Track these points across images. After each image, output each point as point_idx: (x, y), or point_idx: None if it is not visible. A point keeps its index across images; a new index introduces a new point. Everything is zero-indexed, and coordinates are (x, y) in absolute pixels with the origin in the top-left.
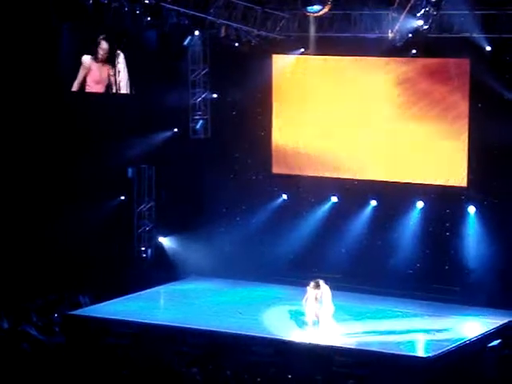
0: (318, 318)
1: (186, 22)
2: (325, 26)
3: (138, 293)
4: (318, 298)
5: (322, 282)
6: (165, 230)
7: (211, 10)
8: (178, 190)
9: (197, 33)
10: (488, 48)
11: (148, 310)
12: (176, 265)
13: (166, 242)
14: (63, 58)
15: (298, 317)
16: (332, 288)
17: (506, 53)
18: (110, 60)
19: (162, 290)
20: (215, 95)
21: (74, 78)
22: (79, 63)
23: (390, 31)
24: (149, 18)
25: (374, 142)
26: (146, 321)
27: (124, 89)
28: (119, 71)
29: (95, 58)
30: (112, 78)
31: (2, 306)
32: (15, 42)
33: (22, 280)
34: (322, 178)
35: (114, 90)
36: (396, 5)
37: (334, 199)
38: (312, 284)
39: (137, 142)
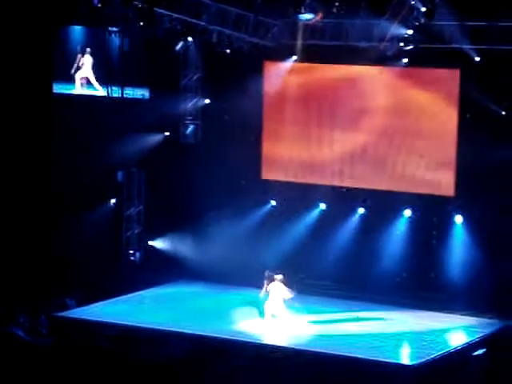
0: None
1: (179, 27)
2: (317, 35)
3: (126, 296)
4: (268, 291)
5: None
6: (153, 233)
7: (204, 16)
8: (167, 194)
9: (190, 38)
10: (477, 59)
11: (135, 312)
12: (164, 268)
13: (154, 245)
14: (55, 60)
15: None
16: (319, 294)
17: (496, 64)
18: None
19: (149, 293)
20: (207, 101)
21: (64, 79)
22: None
23: (381, 41)
24: (141, 23)
25: (364, 150)
26: (132, 323)
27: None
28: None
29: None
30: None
31: None
32: (7, 42)
33: (9, 282)
34: (310, 184)
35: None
36: (387, 15)
37: (323, 206)
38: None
39: (127, 146)
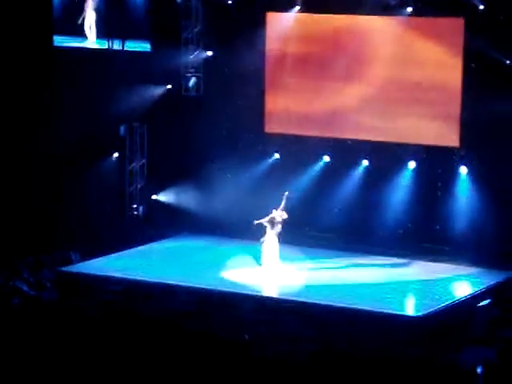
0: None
1: None
2: None
3: (130, 250)
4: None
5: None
6: (157, 187)
7: None
8: (169, 148)
9: None
10: (481, 7)
11: (138, 267)
12: (168, 222)
13: (157, 199)
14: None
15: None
16: (325, 246)
17: (501, 12)
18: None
19: (153, 247)
20: (209, 53)
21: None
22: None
23: None
24: None
25: (367, 102)
26: (135, 277)
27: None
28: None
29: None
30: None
31: None
32: None
33: (12, 236)
34: (314, 137)
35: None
36: None
37: (327, 159)
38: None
39: (129, 100)
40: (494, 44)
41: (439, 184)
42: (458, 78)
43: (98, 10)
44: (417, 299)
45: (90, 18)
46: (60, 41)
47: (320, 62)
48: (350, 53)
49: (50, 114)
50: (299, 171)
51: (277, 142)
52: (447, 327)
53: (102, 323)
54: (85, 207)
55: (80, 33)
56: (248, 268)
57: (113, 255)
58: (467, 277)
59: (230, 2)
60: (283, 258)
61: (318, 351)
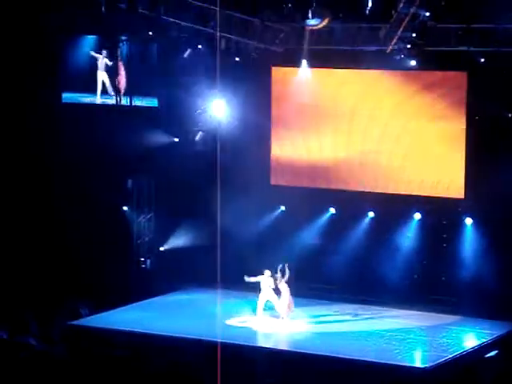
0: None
1: (186, 35)
2: (323, 39)
3: (138, 303)
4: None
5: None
6: (164, 240)
7: (211, 23)
8: (176, 201)
9: (199, 46)
10: (483, 60)
11: (148, 319)
12: (175, 275)
13: (165, 251)
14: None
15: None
16: (329, 298)
17: (503, 66)
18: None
19: (161, 300)
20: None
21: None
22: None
23: (388, 44)
24: (150, 33)
25: (373, 154)
26: (145, 331)
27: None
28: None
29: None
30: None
31: (0, 316)
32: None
33: (20, 290)
34: (320, 189)
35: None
36: (394, 18)
37: (332, 210)
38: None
39: (137, 153)
40: (497, 97)
41: (444, 235)
42: (461, 130)
43: (107, 70)
44: (423, 350)
45: (101, 77)
46: (69, 97)
47: (324, 116)
48: (355, 106)
49: (58, 167)
50: (305, 222)
51: (282, 195)
52: (454, 378)
53: (109, 378)
54: (93, 260)
55: (90, 89)
56: (250, 319)
57: (121, 308)
58: (474, 328)
59: (237, 59)
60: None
61: None
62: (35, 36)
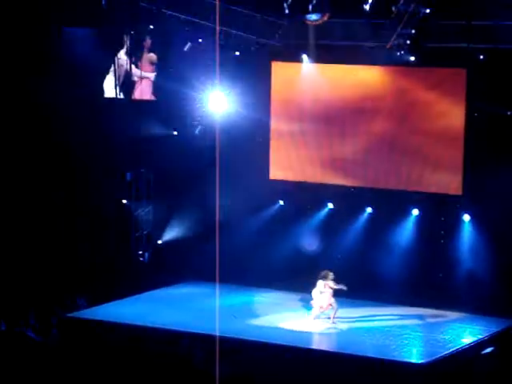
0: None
1: (187, 28)
2: (323, 35)
3: (136, 296)
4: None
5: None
6: (162, 233)
7: (211, 18)
8: (175, 195)
9: (200, 40)
10: (482, 57)
11: (145, 313)
12: (173, 269)
13: (163, 244)
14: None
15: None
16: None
17: (503, 64)
18: None
19: (159, 293)
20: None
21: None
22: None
23: (388, 41)
24: (151, 26)
25: (371, 150)
26: (143, 324)
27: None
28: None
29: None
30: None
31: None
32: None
33: (19, 282)
34: (318, 184)
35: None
36: (394, 14)
37: (330, 205)
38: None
39: (136, 146)
40: (496, 94)
41: (442, 232)
42: (460, 128)
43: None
44: (420, 346)
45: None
46: None
47: (324, 111)
48: (354, 102)
49: (56, 159)
50: (303, 218)
51: (281, 189)
52: (450, 375)
53: (106, 369)
54: (91, 253)
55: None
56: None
57: (118, 301)
58: (470, 324)
59: (237, 53)
60: (288, 306)
61: None
62: (35, 26)
